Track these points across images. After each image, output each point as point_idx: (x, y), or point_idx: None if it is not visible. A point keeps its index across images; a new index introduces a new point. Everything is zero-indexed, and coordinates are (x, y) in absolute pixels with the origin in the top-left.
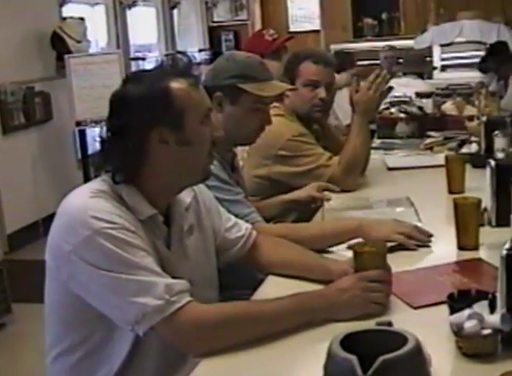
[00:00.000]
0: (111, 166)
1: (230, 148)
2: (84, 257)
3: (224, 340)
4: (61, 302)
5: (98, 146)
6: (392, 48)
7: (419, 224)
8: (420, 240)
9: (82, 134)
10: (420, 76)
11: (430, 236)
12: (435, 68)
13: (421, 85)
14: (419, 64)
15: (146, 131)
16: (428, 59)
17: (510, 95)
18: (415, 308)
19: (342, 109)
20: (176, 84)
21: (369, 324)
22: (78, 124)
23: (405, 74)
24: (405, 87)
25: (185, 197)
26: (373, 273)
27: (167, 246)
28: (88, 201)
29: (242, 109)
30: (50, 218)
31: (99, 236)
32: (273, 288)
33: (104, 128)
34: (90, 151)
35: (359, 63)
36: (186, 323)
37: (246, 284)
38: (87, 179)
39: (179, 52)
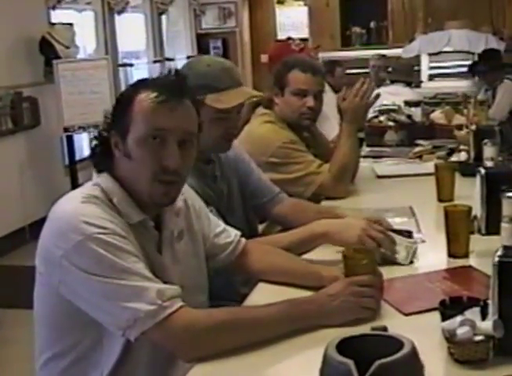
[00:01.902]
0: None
1: (205, 159)
2: (76, 262)
3: (216, 345)
4: (51, 308)
5: (85, 152)
6: (382, 56)
7: (419, 235)
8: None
9: (70, 140)
10: (408, 85)
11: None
12: (421, 82)
13: (409, 94)
14: (407, 73)
15: (107, 132)
16: (416, 68)
17: (497, 104)
18: (406, 314)
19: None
20: (143, 96)
21: (364, 329)
22: (66, 130)
23: (393, 83)
24: (392, 95)
25: (176, 201)
26: (364, 278)
27: (158, 250)
28: (79, 206)
29: (205, 120)
30: (37, 224)
31: (91, 241)
32: (263, 296)
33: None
34: (78, 157)
35: (348, 71)
36: (178, 328)
37: (229, 297)
38: (74, 185)
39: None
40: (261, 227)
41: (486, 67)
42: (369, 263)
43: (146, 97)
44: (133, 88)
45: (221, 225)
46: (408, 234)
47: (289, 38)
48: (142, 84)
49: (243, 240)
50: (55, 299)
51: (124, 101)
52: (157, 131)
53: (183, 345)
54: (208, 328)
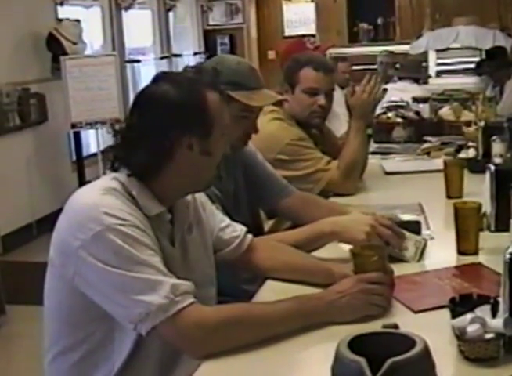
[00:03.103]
0: (132, 161)
1: None
2: (93, 252)
3: (225, 342)
4: (64, 300)
5: (92, 148)
6: (390, 53)
7: (427, 231)
8: (396, 234)
9: (77, 136)
10: (416, 81)
11: (403, 236)
12: (429, 76)
13: (417, 90)
14: (415, 69)
15: (178, 135)
16: (424, 64)
17: (505, 100)
18: (416, 312)
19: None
20: (211, 95)
21: (375, 327)
22: (73, 126)
23: (400, 79)
24: (400, 92)
25: None
26: (373, 275)
27: (171, 243)
28: (99, 198)
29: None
30: (44, 220)
31: (110, 231)
32: (271, 292)
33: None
34: (85, 153)
35: (355, 67)
36: (189, 323)
37: (233, 294)
38: (81, 182)
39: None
40: (268, 224)
41: (492, 67)
42: (379, 260)
43: (214, 97)
44: (196, 90)
45: (226, 219)
46: (416, 225)
47: (303, 35)
48: (200, 85)
49: (250, 236)
50: (69, 292)
51: (197, 104)
52: (227, 126)
53: (193, 341)
54: (218, 325)
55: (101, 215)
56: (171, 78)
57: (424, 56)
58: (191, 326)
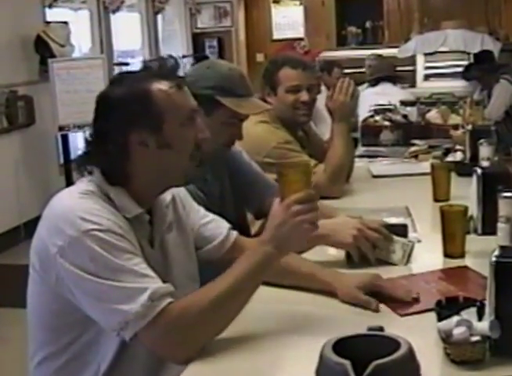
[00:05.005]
0: (97, 167)
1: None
2: (71, 259)
3: (208, 329)
4: (47, 306)
5: (80, 151)
6: (378, 56)
7: (414, 234)
8: (384, 237)
9: (65, 139)
10: (393, 83)
11: (390, 239)
12: (401, 77)
13: (398, 94)
14: (387, 69)
15: (125, 134)
16: (412, 68)
17: (493, 104)
18: (401, 315)
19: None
20: (157, 86)
21: (361, 329)
22: (61, 128)
23: (377, 82)
24: (379, 95)
25: (166, 194)
26: (300, 195)
27: (150, 244)
28: (76, 202)
29: (215, 121)
30: (32, 222)
31: (87, 237)
32: (259, 296)
33: (89, 131)
34: (72, 156)
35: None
36: (170, 320)
37: None
38: (69, 184)
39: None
40: (256, 226)
41: (480, 71)
42: (304, 178)
43: (162, 86)
44: (137, 84)
45: (210, 215)
46: (403, 228)
47: (293, 39)
48: (147, 77)
49: (235, 233)
50: (52, 297)
51: (140, 98)
52: (191, 112)
53: (174, 343)
54: (198, 313)
55: (77, 220)
56: (117, 78)
57: (412, 59)
58: (172, 322)
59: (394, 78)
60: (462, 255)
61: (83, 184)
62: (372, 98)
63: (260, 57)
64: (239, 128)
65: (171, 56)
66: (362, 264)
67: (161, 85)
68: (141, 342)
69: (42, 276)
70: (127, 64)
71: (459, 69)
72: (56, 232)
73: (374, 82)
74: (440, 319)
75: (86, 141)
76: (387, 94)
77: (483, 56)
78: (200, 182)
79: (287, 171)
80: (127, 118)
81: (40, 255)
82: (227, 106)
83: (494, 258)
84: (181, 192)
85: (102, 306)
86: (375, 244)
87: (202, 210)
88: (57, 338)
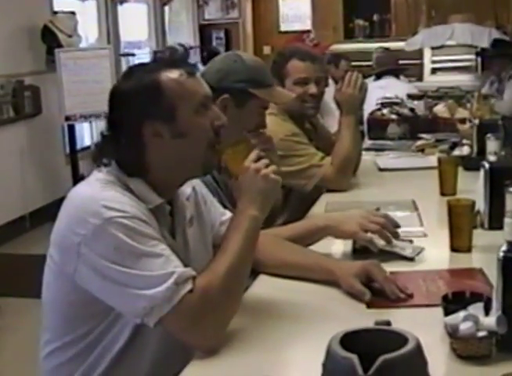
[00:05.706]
0: (113, 159)
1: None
2: (95, 248)
3: (231, 302)
4: (64, 297)
5: (86, 141)
6: (386, 49)
7: (421, 228)
8: (390, 232)
9: (71, 129)
10: (397, 76)
11: (397, 226)
12: (406, 70)
13: (401, 88)
14: (391, 62)
15: (137, 125)
16: (419, 61)
17: (507, 99)
18: (368, 306)
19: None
20: (166, 75)
21: (368, 324)
22: (67, 118)
23: (379, 76)
24: (382, 89)
25: (186, 187)
26: (251, 156)
27: (171, 235)
28: (98, 191)
29: (247, 113)
30: (37, 212)
31: (110, 225)
32: (263, 288)
33: (104, 124)
34: (79, 146)
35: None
36: (196, 303)
37: None
38: (75, 174)
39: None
40: None
41: (495, 52)
42: (245, 149)
43: (172, 75)
44: (150, 76)
45: (227, 213)
46: (410, 243)
47: (301, 31)
48: (156, 67)
49: None
50: (70, 288)
51: (150, 89)
52: (204, 99)
53: (201, 326)
54: (219, 289)
55: (100, 209)
56: (128, 71)
57: (419, 52)
58: (198, 303)
59: (397, 72)
60: (469, 249)
61: (101, 174)
62: (376, 92)
63: (267, 50)
64: (264, 117)
65: (180, 44)
66: (367, 257)
67: (171, 74)
68: (166, 328)
69: (60, 267)
70: (133, 55)
71: (467, 63)
72: (78, 222)
73: (378, 76)
74: (446, 313)
75: (102, 135)
76: (391, 87)
77: (500, 43)
78: (215, 172)
79: (230, 150)
80: (139, 110)
81: (60, 246)
82: (259, 97)
83: (501, 254)
84: (202, 188)
85: (127, 293)
86: (387, 240)
87: (221, 207)
88: (73, 328)
